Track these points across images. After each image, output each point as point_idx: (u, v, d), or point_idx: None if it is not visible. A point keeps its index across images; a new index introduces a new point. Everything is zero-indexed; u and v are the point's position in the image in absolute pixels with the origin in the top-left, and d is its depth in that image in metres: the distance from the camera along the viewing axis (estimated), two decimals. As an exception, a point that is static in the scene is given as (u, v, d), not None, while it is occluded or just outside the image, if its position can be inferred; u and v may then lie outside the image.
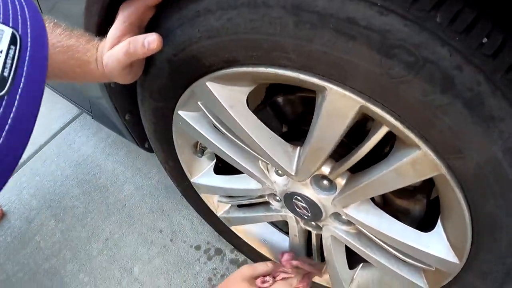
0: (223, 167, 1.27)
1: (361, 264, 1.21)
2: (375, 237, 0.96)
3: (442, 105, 0.56)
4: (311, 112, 0.72)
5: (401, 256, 0.94)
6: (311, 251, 1.26)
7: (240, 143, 0.97)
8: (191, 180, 1.27)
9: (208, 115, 0.98)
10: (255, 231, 1.38)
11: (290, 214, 1.13)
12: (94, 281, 1.69)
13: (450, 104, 0.56)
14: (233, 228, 1.39)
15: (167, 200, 1.84)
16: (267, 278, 1.03)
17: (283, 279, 1.04)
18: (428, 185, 0.92)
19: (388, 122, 0.64)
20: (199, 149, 1.20)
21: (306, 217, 1.05)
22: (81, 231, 1.86)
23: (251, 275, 1.04)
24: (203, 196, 1.34)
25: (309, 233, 1.21)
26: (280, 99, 1.04)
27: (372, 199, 0.94)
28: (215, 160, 1.25)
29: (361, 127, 0.89)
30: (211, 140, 1.03)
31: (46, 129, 2.40)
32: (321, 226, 1.09)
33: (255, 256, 1.43)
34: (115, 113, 1.29)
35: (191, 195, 1.38)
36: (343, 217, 0.99)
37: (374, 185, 0.79)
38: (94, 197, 1.98)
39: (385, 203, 0.99)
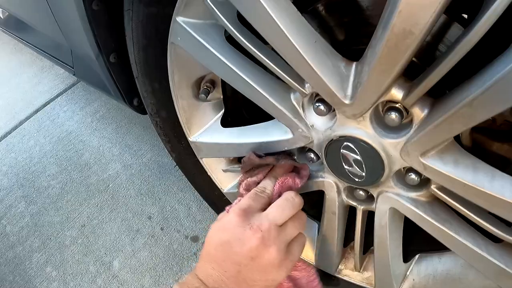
0: (235, 120, 0.94)
1: (417, 256, 0.87)
2: (462, 205, 0.63)
3: None
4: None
5: (500, 232, 0.60)
6: (350, 238, 0.92)
7: (267, 59, 0.65)
8: (190, 139, 0.94)
9: (221, 17, 0.66)
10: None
11: (330, 180, 0.79)
12: (63, 277, 1.37)
13: None
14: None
15: (160, 181, 1.55)
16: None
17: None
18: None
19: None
20: (204, 88, 0.87)
21: (357, 180, 0.72)
22: (54, 215, 1.56)
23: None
24: (205, 163, 1.01)
25: (351, 214, 0.87)
26: (321, 6, 0.71)
27: (459, 143, 0.61)
28: (223, 110, 0.92)
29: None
30: (222, 59, 0.70)
31: (28, 104, 2.18)
32: (375, 195, 0.75)
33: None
34: (98, 55, 1.00)
35: (189, 163, 1.05)
36: (412, 176, 0.66)
37: (477, 106, 0.46)
38: (73, 176, 1.68)
39: (475, 149, 0.65)
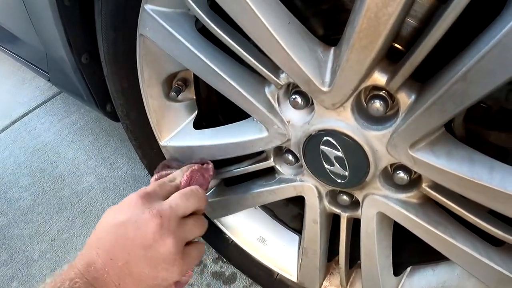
0: (210, 125, 0.87)
1: (408, 268, 0.80)
2: (457, 204, 0.56)
3: None
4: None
5: (502, 233, 0.54)
6: (334, 252, 0.84)
7: (239, 48, 0.59)
8: (161, 143, 0.87)
9: (191, 3, 0.60)
10: (249, 227, 0.96)
11: (310, 183, 0.71)
12: (28, 294, 1.27)
13: None
14: (218, 222, 0.97)
15: None
16: None
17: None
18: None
19: None
20: (175, 86, 0.80)
21: (339, 181, 0.64)
22: (24, 228, 1.49)
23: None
24: (178, 169, 0.92)
25: (335, 222, 0.79)
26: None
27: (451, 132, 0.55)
28: (196, 112, 0.85)
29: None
30: (193, 50, 0.64)
31: (6, 115, 2.13)
32: (360, 199, 0.68)
33: (249, 266, 1.00)
34: (70, 56, 0.94)
35: (162, 170, 0.97)
36: (401, 174, 0.59)
37: (472, 79, 0.40)
38: (46, 188, 1.59)
39: (470, 139, 0.59)
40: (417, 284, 0.79)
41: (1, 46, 1.58)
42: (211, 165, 0.77)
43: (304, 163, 0.67)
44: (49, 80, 1.40)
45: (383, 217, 0.68)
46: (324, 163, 0.63)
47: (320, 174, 0.66)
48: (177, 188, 0.69)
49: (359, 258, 0.86)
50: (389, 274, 0.77)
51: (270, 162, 0.75)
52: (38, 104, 2.14)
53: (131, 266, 0.58)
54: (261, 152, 0.76)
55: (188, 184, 0.71)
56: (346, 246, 0.77)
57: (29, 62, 1.50)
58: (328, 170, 0.64)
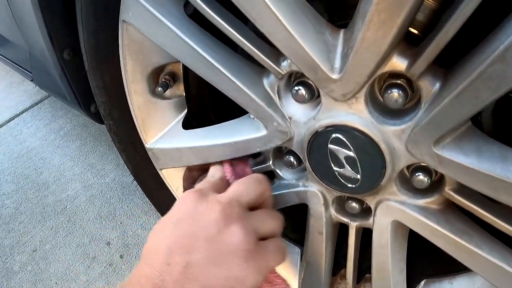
0: (200, 125, 0.79)
1: (422, 282, 0.72)
2: (485, 210, 0.49)
3: None
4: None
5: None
6: (339, 265, 0.75)
7: (234, 32, 0.51)
8: (147, 146, 0.78)
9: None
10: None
11: (315, 189, 0.63)
12: (7, 310, 1.19)
13: None
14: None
15: (122, 203, 1.41)
16: None
17: None
18: None
19: None
20: (162, 81, 0.71)
21: (350, 186, 0.56)
22: (5, 237, 1.42)
23: None
24: (165, 176, 0.84)
25: (342, 232, 0.71)
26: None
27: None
28: (186, 111, 0.77)
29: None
30: (181, 35, 0.56)
31: None
32: (372, 206, 0.59)
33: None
34: (51, 51, 0.87)
35: (147, 176, 0.88)
36: (421, 177, 0.51)
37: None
38: (29, 196, 1.51)
39: (497, 134, 0.51)
40: (430, 302, 0.71)
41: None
42: (249, 160, 0.67)
43: (308, 166, 0.59)
44: (32, 80, 1.34)
45: (398, 226, 0.60)
46: (332, 165, 0.55)
47: (327, 178, 0.58)
48: (227, 183, 0.59)
49: (366, 271, 0.77)
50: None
51: (269, 166, 0.66)
52: (25, 108, 2.08)
53: (193, 268, 0.47)
54: (258, 154, 0.68)
55: (235, 174, 0.61)
56: (354, 258, 0.68)
57: (13, 62, 1.45)
58: (337, 173, 0.56)
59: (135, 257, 1.23)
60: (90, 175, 1.55)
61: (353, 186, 0.56)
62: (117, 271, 1.20)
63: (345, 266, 0.77)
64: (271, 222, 0.54)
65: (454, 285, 0.70)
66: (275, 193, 0.66)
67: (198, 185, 0.58)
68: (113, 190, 1.46)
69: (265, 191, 0.56)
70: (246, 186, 0.54)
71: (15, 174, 1.65)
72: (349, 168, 0.54)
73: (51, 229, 1.38)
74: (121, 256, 1.24)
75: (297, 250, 0.82)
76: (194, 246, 0.48)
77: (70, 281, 1.22)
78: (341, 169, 0.55)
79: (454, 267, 0.70)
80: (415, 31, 0.48)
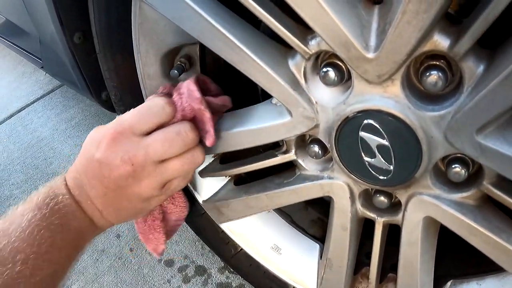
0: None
1: (449, 283, 0.67)
2: None
3: None
4: None
5: None
6: (363, 262, 0.71)
7: (259, 8, 0.46)
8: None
9: None
10: (262, 234, 0.83)
11: (341, 181, 0.58)
12: (13, 304, 1.14)
13: None
14: (225, 227, 0.84)
15: None
16: None
17: None
18: None
19: None
20: (177, 64, 0.67)
21: (381, 178, 0.51)
22: None
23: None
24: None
25: (365, 229, 0.66)
26: None
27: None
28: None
29: None
30: (200, 11, 0.52)
31: (3, 109, 2.05)
32: (403, 201, 0.55)
33: (260, 278, 0.87)
34: (61, 35, 0.84)
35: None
36: (457, 169, 0.47)
37: None
38: (38, 186, 1.45)
39: None
40: (458, 304, 0.66)
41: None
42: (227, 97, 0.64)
43: (335, 156, 0.54)
44: (42, 68, 1.31)
45: (430, 223, 0.56)
46: (362, 154, 0.51)
47: (356, 169, 0.53)
48: (169, 116, 0.57)
49: (389, 271, 0.73)
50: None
51: (291, 156, 0.62)
52: (37, 98, 2.05)
53: (110, 198, 0.59)
54: (279, 143, 0.64)
55: (185, 110, 0.58)
56: (379, 257, 0.64)
57: (23, 49, 1.43)
58: (367, 164, 0.51)
59: (145, 250, 1.19)
60: None
61: (385, 178, 0.51)
62: (126, 265, 1.17)
63: (367, 264, 0.73)
64: (183, 171, 0.59)
65: (482, 286, 0.66)
66: (299, 185, 0.62)
67: (133, 117, 0.58)
68: None
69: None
70: (168, 147, 0.56)
71: (24, 164, 1.63)
72: (381, 158, 0.50)
73: None
74: (131, 249, 1.21)
75: (316, 246, 0.77)
76: (109, 186, 0.58)
77: (78, 274, 1.18)
78: (372, 159, 0.50)
79: (483, 268, 0.66)
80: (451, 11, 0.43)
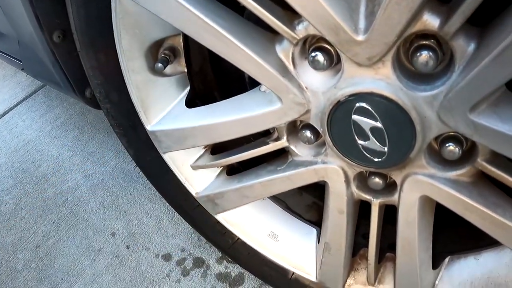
0: (205, 101, 0.73)
1: (446, 259, 0.67)
2: None
3: None
4: None
5: None
6: (361, 243, 0.71)
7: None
8: (149, 128, 0.73)
9: None
10: (258, 222, 0.83)
11: (335, 165, 0.58)
12: (13, 310, 1.14)
13: None
14: (221, 218, 0.84)
15: (125, 191, 1.38)
16: None
17: None
18: None
19: None
20: (162, 56, 0.66)
21: (375, 160, 0.51)
22: (6, 235, 1.37)
23: None
24: (169, 159, 0.79)
25: (362, 211, 0.67)
26: None
27: None
28: (188, 88, 0.72)
29: None
30: (183, 2, 0.50)
31: None
32: (398, 181, 0.55)
33: (259, 266, 0.87)
34: (40, 35, 0.82)
35: (150, 161, 0.84)
36: (451, 147, 0.47)
37: None
38: (28, 190, 1.47)
39: None
40: (458, 277, 0.67)
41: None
42: None
43: (328, 140, 0.54)
44: (23, 69, 1.28)
45: (426, 202, 0.56)
46: (356, 137, 0.50)
47: (350, 152, 0.53)
48: None
49: (387, 251, 0.73)
50: (428, 267, 0.65)
51: (283, 142, 0.61)
52: (19, 100, 2.01)
53: None
54: (270, 131, 0.63)
55: None
56: (376, 238, 0.64)
57: (1, 52, 1.40)
58: (361, 147, 0.51)
59: (142, 246, 1.18)
60: (90, 164, 1.50)
61: (379, 160, 0.51)
62: (124, 263, 1.16)
63: (364, 246, 0.73)
64: None
65: (480, 261, 0.66)
66: (292, 172, 0.62)
67: None
68: (115, 178, 1.42)
69: None
70: None
71: (12, 168, 1.60)
72: (375, 141, 0.50)
73: (53, 223, 1.33)
74: (128, 247, 1.20)
75: (313, 230, 0.77)
76: None
77: (76, 276, 1.17)
78: (366, 142, 0.50)
79: (480, 243, 0.67)
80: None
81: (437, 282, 0.68)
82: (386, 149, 0.50)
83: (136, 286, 1.11)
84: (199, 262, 1.11)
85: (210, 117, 0.63)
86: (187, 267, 1.12)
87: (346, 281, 0.75)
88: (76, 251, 1.23)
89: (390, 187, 0.58)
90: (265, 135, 0.64)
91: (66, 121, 1.74)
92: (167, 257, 1.15)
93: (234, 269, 1.07)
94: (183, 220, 1.09)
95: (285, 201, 0.82)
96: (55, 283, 1.18)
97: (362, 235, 0.74)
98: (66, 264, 1.21)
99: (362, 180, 0.60)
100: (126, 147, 0.86)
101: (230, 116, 0.60)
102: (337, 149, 0.54)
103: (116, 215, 1.29)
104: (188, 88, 0.72)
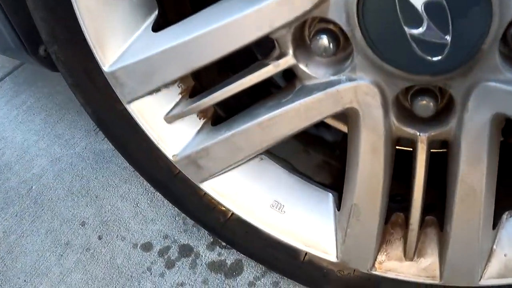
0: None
1: (505, 215, 0.51)
2: None
3: None
4: None
5: None
6: (391, 207, 0.55)
7: None
8: (106, 69, 0.56)
9: None
10: (257, 190, 0.66)
11: (366, 81, 0.40)
12: (-32, 320, 1.01)
13: None
14: (208, 187, 0.66)
15: (97, 174, 1.26)
16: None
17: None
18: None
19: None
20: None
21: (430, 60, 0.34)
22: None
23: None
24: (136, 112, 0.61)
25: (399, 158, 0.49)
26: None
27: None
28: (157, 11, 0.55)
29: None
30: None
31: None
32: (458, 98, 0.38)
33: (261, 248, 0.71)
34: None
35: (113, 118, 0.66)
36: None
37: None
38: None
39: None
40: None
41: None
42: None
43: (359, 38, 0.36)
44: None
45: (496, 128, 0.39)
46: (402, 23, 0.33)
47: (393, 52, 0.36)
48: None
49: (425, 214, 0.57)
50: (489, 227, 0.49)
51: (289, 60, 0.44)
52: (-16, 88, 1.86)
53: None
54: (270, 47, 0.46)
55: None
56: (422, 191, 0.47)
57: None
58: (410, 39, 0.33)
59: (117, 236, 1.03)
60: (57, 147, 1.39)
61: (438, 59, 0.34)
62: (95, 256, 1.01)
63: (397, 210, 0.57)
64: None
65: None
66: (303, 100, 0.44)
67: None
68: (85, 160, 1.31)
69: None
70: None
71: (-27, 159, 1.46)
72: (433, 25, 0.32)
73: (16, 216, 1.21)
74: (100, 237, 1.06)
75: (329, 195, 0.60)
76: None
77: (41, 276, 1.04)
78: (419, 29, 0.33)
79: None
80: None
81: (494, 245, 0.51)
82: (448, 38, 0.33)
83: (111, 284, 0.96)
84: (186, 251, 0.97)
85: (184, 33, 0.45)
86: (172, 258, 0.97)
87: (377, 257, 0.58)
88: (41, 247, 1.10)
89: (443, 113, 0.42)
90: (262, 56, 0.47)
91: (33, 105, 1.63)
92: (147, 247, 1.01)
93: (230, 256, 0.92)
94: (165, 202, 0.94)
95: (289, 161, 0.65)
96: (18, 285, 1.05)
97: (391, 197, 0.57)
98: (30, 263, 1.08)
99: (403, 107, 0.43)
100: (83, 103, 0.68)
101: (211, 25, 0.42)
102: (373, 50, 0.36)
103: (86, 202, 1.17)
104: (156, 11, 0.54)
